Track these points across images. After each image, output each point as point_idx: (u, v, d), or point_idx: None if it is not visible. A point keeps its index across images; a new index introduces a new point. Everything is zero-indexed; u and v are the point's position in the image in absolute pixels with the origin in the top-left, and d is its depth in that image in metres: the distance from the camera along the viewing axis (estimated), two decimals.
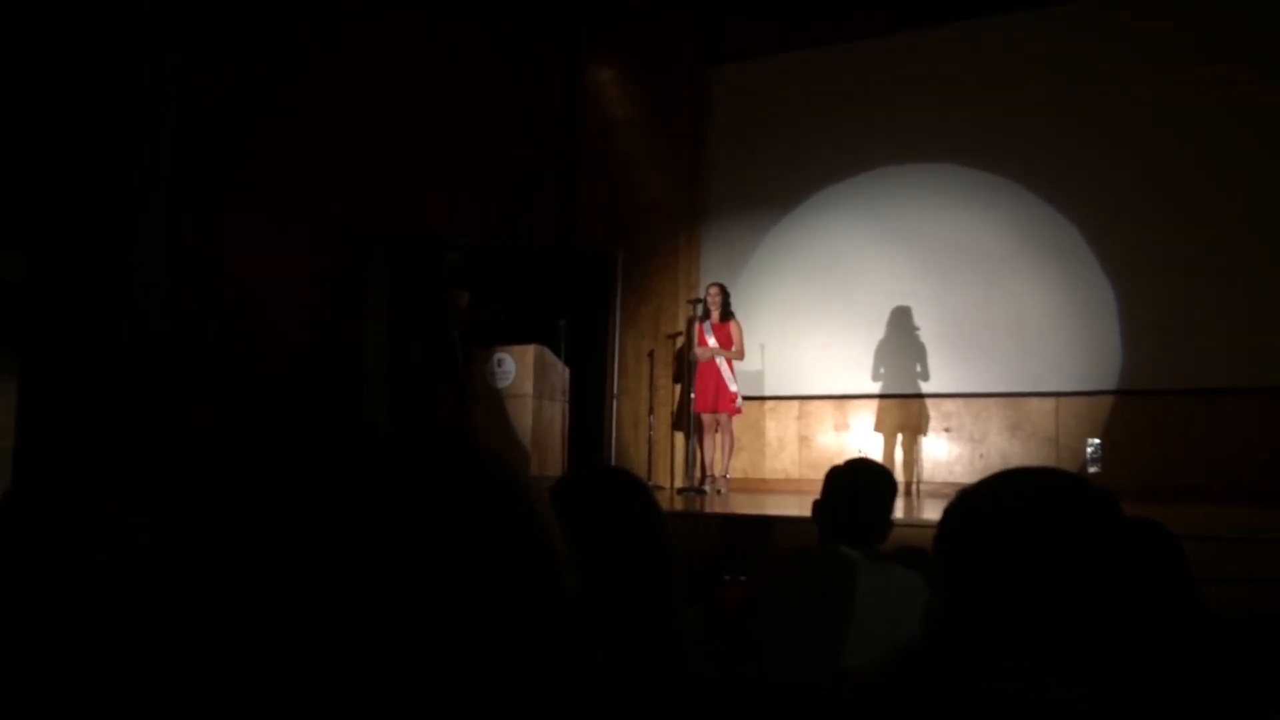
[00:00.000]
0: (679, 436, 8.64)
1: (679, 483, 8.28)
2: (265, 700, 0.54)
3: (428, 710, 0.54)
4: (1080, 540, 1.02)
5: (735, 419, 7.71)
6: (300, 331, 7.71)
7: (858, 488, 2.62)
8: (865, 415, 8.16)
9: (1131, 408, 7.24)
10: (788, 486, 8.09)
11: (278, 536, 0.57)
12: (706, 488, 7.63)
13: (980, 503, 1.07)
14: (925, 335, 7.93)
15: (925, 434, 7.93)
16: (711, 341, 7.60)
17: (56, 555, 2.63)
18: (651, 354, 8.66)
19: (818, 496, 2.69)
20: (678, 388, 8.68)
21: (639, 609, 1.44)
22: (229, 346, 7.21)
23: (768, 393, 8.49)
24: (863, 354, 8.13)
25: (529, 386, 7.28)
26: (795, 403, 8.47)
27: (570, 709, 0.59)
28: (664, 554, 1.50)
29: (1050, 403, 7.57)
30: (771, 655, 2.42)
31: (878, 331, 8.08)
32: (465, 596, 0.56)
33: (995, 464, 7.19)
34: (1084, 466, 7.07)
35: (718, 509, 6.35)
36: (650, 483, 8.18)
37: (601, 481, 1.59)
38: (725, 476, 7.65)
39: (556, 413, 7.63)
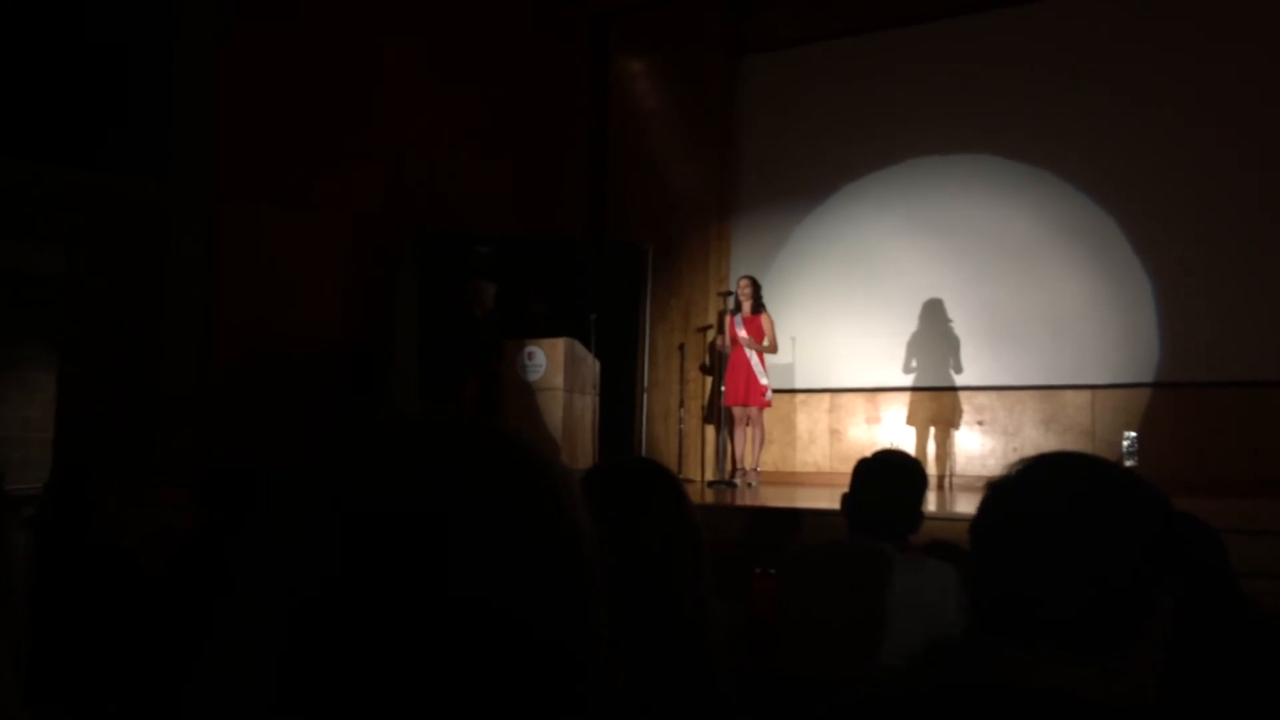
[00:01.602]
0: (710, 430, 8.63)
1: (710, 476, 8.27)
2: (294, 684, 0.54)
3: (456, 682, 0.54)
4: (1119, 530, 1.00)
5: (766, 412, 7.69)
6: (334, 323, 7.78)
7: (886, 479, 2.58)
8: (897, 408, 8.10)
9: (1169, 400, 7.13)
10: (819, 480, 8.05)
11: (315, 525, 0.57)
12: (737, 481, 7.62)
13: (1017, 489, 1.05)
14: (958, 327, 7.86)
15: (958, 427, 7.86)
16: (742, 334, 7.58)
17: (95, 543, 2.67)
18: (682, 347, 8.64)
19: (848, 490, 2.66)
20: (708, 381, 8.66)
21: (668, 599, 1.43)
22: (265, 337, 7.30)
23: (799, 385, 8.45)
24: (894, 346, 8.06)
25: (559, 380, 7.29)
26: (826, 395, 8.43)
27: (590, 684, 0.59)
28: (692, 544, 1.50)
29: (1086, 395, 7.48)
30: (802, 649, 2.41)
31: (910, 324, 8.02)
32: (497, 582, 0.56)
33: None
34: (1120, 460, 6.98)
35: (748, 502, 6.34)
36: (681, 476, 8.18)
37: (630, 472, 1.59)
38: (756, 470, 7.63)
39: (587, 406, 7.64)
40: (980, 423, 7.82)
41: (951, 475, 7.80)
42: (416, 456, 0.59)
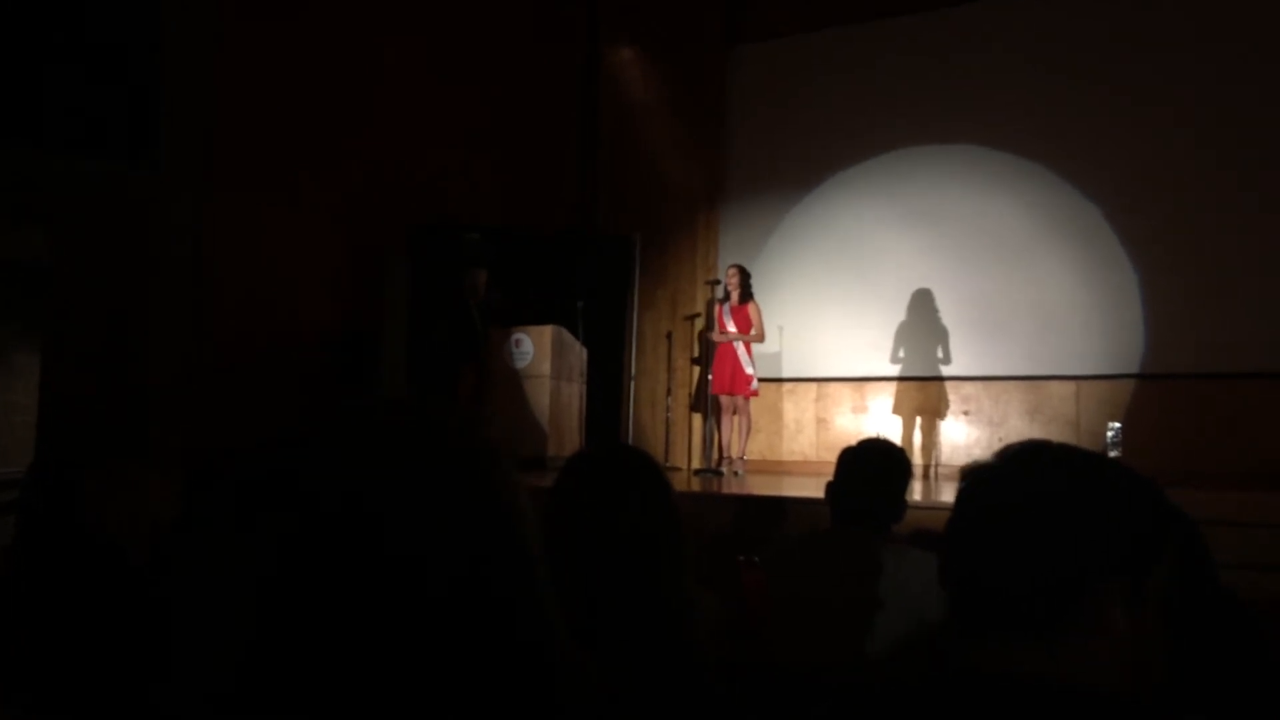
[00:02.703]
0: (696, 418, 8.64)
1: (696, 464, 8.28)
2: (274, 676, 0.54)
3: (408, 655, 0.54)
4: (1095, 519, 1.00)
5: (753, 401, 7.70)
6: (324, 313, 7.75)
7: (871, 468, 2.58)
8: (884, 398, 8.13)
9: (1153, 391, 7.18)
10: (805, 469, 8.08)
11: (279, 519, 0.57)
12: (723, 469, 7.63)
13: (991, 478, 1.05)
14: (945, 318, 7.88)
15: (944, 417, 7.89)
16: (730, 324, 7.58)
17: (77, 530, 2.65)
18: (669, 335, 8.65)
19: (832, 478, 2.67)
20: (695, 369, 8.67)
21: (650, 586, 1.44)
22: (253, 327, 7.26)
23: (786, 375, 8.47)
24: (882, 336, 8.09)
25: (546, 367, 7.29)
26: (813, 385, 8.45)
27: (546, 653, 0.59)
28: (675, 531, 1.50)
29: (1071, 386, 7.52)
30: (786, 638, 2.42)
31: (897, 314, 8.04)
32: (441, 556, 0.56)
33: None
34: (1104, 450, 7.02)
35: (734, 490, 6.35)
36: (667, 464, 8.19)
37: (612, 459, 1.59)
38: (742, 458, 7.64)
39: (574, 394, 7.64)
40: (966, 413, 7.85)
41: (937, 465, 7.83)
42: (360, 446, 0.59)
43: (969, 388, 7.85)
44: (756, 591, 2.53)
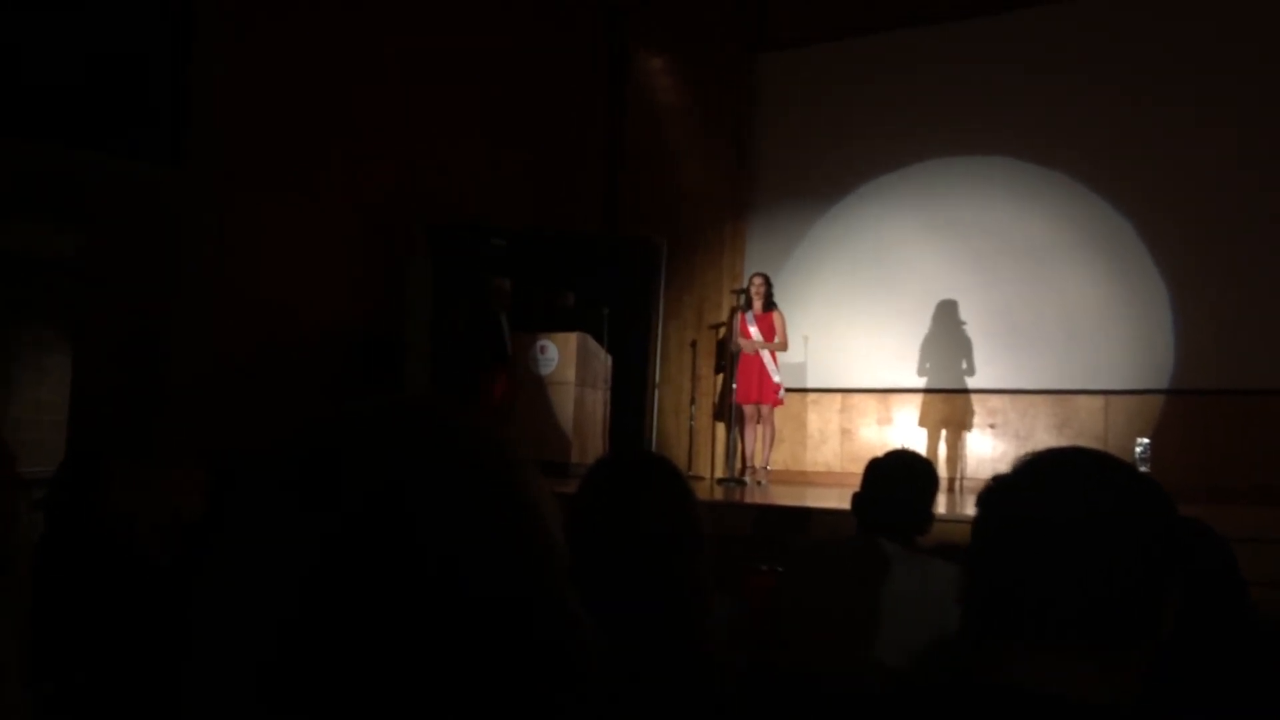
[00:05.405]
0: (720, 427, 8.62)
1: (719, 473, 8.26)
2: (291, 670, 0.54)
3: (419, 659, 0.54)
4: (1124, 529, 0.99)
5: (777, 410, 7.67)
6: (346, 314, 7.79)
7: (898, 479, 2.58)
8: (909, 409, 8.07)
9: (1182, 407, 7.09)
10: (829, 479, 8.03)
11: (293, 513, 0.57)
12: (747, 479, 7.60)
13: (1020, 486, 1.04)
14: (972, 330, 7.82)
15: (970, 430, 7.83)
16: (754, 332, 7.56)
17: (102, 527, 2.68)
18: (694, 343, 8.63)
19: (859, 489, 2.65)
20: (719, 378, 8.65)
21: (668, 588, 1.43)
22: (275, 327, 7.31)
23: (810, 385, 8.43)
24: (907, 347, 8.04)
25: (571, 374, 7.30)
26: (838, 395, 8.40)
27: (554, 661, 0.59)
28: (694, 536, 1.50)
29: (1099, 401, 7.44)
30: (804, 645, 2.40)
31: (923, 325, 7.99)
32: (465, 555, 0.56)
33: None
34: (1133, 466, 6.93)
35: (757, 500, 6.33)
36: (691, 473, 8.18)
37: (634, 464, 1.59)
38: (765, 468, 7.61)
39: (598, 401, 7.64)
40: (992, 426, 7.79)
41: (962, 478, 7.77)
42: (380, 443, 0.60)
43: (995, 401, 7.78)
44: (761, 596, 2.52)
